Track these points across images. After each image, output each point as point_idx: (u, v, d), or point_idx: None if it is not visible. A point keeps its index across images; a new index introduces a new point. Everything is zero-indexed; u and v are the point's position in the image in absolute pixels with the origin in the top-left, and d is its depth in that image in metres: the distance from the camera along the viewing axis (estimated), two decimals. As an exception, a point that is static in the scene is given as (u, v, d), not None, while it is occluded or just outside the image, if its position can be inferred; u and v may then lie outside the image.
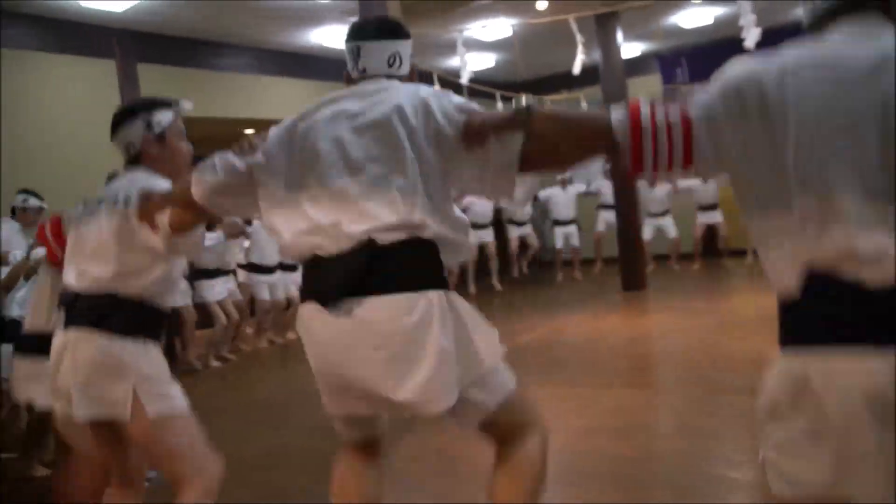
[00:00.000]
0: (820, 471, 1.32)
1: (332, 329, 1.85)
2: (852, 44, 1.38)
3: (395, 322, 1.79)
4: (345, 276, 1.81)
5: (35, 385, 3.51)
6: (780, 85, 1.36)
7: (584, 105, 10.82)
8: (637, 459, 3.65)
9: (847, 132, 1.31)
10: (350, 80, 2.12)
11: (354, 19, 6.47)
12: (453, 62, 7.86)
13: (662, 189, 10.70)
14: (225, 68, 9.41)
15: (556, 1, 8.44)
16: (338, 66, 9.06)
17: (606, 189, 10.91)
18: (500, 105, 9.34)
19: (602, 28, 9.63)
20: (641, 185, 9.64)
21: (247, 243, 8.08)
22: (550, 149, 1.78)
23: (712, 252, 11.73)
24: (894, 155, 1.28)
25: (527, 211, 11.48)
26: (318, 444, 4.45)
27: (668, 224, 11.15)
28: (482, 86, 8.99)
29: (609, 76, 9.90)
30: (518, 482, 1.99)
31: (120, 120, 2.55)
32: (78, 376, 2.35)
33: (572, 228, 11.68)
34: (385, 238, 1.79)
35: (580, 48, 7.10)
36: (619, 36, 9.90)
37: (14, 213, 6.12)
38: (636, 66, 11.93)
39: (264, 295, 8.32)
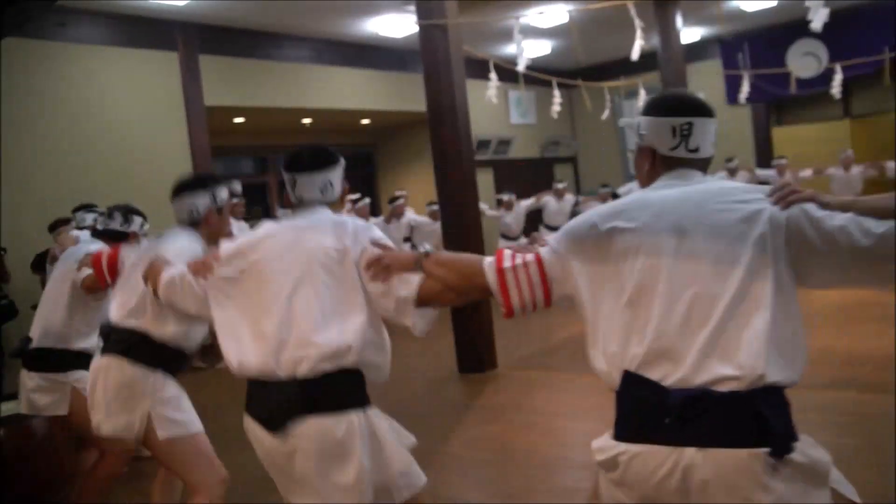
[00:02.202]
0: None
1: (272, 442, 2.16)
2: (668, 188, 1.78)
3: (324, 439, 2.08)
4: (279, 404, 2.12)
5: (41, 396, 3.65)
6: (609, 221, 1.74)
7: (642, 92, 10.65)
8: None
9: (657, 257, 1.67)
10: (289, 204, 2.42)
11: (412, 8, 6.48)
12: (510, 49, 7.82)
13: None
14: (284, 59, 9.53)
15: (614, -14, 8.32)
16: (396, 55, 9.20)
17: None
18: (556, 92, 9.26)
19: (661, 13, 9.47)
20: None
21: None
22: (442, 288, 2.06)
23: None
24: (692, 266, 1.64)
25: None
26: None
27: None
28: (539, 73, 8.92)
29: (668, 62, 9.74)
30: None
31: (190, 187, 2.93)
32: (107, 395, 2.82)
33: None
34: (316, 369, 2.09)
35: (638, 33, 6.97)
36: (679, 20, 9.73)
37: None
38: (696, 52, 11.71)
39: None
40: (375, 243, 2.21)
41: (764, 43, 11.37)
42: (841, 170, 10.11)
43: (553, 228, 11.38)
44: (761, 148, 12.56)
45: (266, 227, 2.36)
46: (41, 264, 6.30)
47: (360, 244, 2.20)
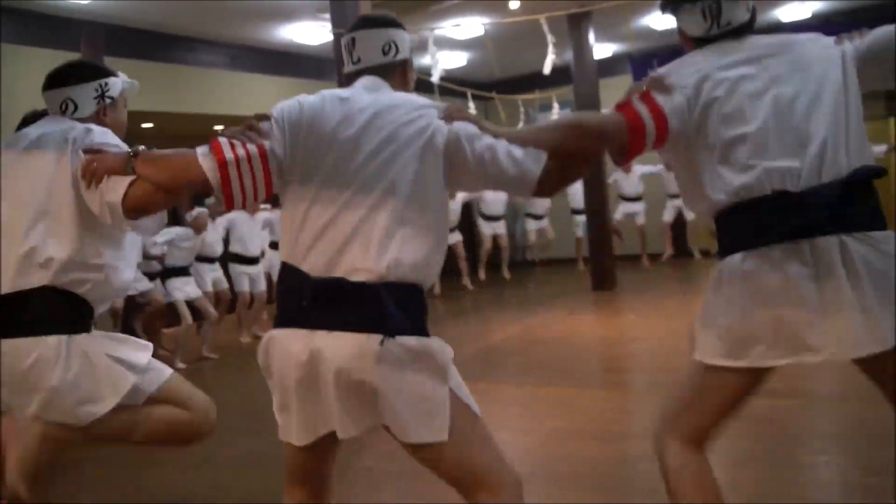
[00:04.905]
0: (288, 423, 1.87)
1: None
2: (361, 91, 1.92)
3: (12, 364, 2.06)
4: None
5: None
6: (301, 112, 1.85)
7: (555, 106, 10.82)
8: (613, 462, 3.66)
9: (345, 153, 1.80)
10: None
11: (327, 16, 6.42)
12: (425, 60, 7.83)
13: (635, 175, 11.19)
14: (196, 63, 9.30)
15: (529, 0, 8.45)
16: (311, 62, 9.07)
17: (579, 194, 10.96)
18: (471, 104, 9.33)
19: (574, 28, 9.66)
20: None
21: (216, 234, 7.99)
22: (153, 189, 1.92)
23: (683, 251, 11.87)
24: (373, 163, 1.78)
25: (545, 204, 11.68)
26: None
27: (640, 209, 11.41)
28: (454, 84, 8.97)
29: (581, 77, 9.94)
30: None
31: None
32: None
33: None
34: (13, 285, 2.06)
35: (550, 48, 7.11)
36: (592, 36, 9.94)
37: None
38: (608, 67, 11.98)
39: (244, 287, 8.18)
40: (88, 148, 2.09)
41: (673, 59, 11.70)
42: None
43: (490, 217, 11.59)
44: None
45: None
46: None
47: (77, 152, 2.12)
